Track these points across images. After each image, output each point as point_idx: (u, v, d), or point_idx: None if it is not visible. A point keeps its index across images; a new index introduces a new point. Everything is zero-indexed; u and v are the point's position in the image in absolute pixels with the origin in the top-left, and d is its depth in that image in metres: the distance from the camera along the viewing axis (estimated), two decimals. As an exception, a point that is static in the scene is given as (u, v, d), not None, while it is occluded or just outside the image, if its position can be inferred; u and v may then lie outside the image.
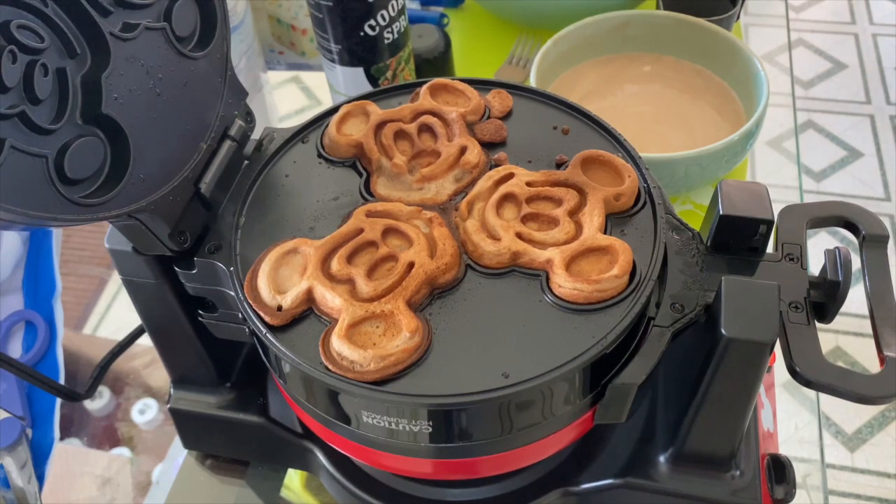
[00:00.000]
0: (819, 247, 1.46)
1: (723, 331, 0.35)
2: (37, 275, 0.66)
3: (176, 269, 0.41)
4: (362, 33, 0.60)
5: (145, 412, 0.62)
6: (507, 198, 0.40)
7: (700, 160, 0.58)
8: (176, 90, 0.38)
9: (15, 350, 0.62)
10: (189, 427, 0.53)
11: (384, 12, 0.60)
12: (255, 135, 0.45)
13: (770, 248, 0.40)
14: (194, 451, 0.55)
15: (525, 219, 0.40)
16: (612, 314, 0.36)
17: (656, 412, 0.46)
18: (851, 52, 2.06)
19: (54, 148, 0.32)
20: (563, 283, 0.36)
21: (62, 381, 0.61)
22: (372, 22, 0.60)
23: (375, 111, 0.45)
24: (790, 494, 0.43)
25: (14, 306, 0.64)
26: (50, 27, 0.32)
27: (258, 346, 0.41)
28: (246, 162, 0.44)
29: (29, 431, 0.57)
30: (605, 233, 0.39)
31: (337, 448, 0.43)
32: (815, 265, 0.38)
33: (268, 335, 0.36)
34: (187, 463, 0.55)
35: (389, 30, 0.61)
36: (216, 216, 0.42)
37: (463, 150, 0.43)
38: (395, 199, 0.41)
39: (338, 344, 0.35)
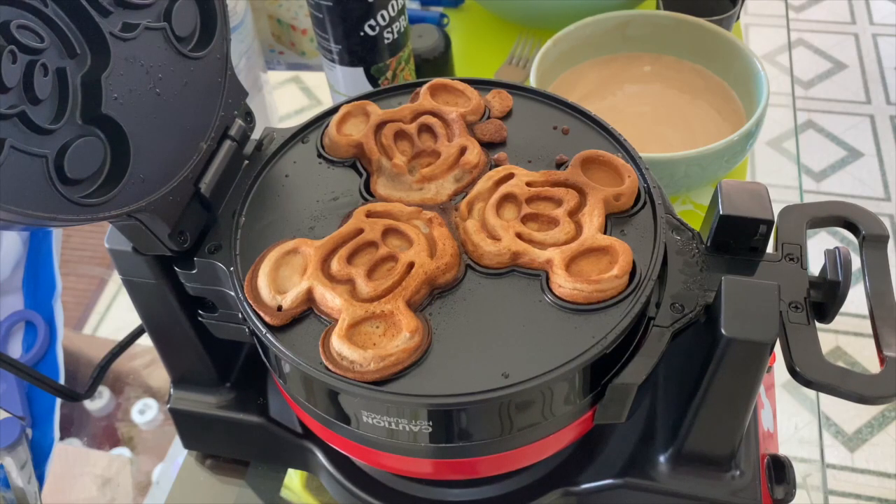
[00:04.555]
0: (819, 247, 1.46)
1: (723, 331, 0.35)
2: (37, 275, 0.66)
3: (176, 269, 0.41)
4: (362, 33, 0.60)
5: (145, 412, 0.62)
6: (507, 198, 0.40)
7: (700, 160, 0.58)
8: (176, 90, 0.38)
9: (15, 350, 0.62)
10: (189, 427, 0.53)
11: (384, 12, 0.60)
12: (255, 135, 0.45)
13: (770, 248, 0.40)
14: (194, 451, 0.55)
15: (525, 219, 0.40)
16: (612, 314, 0.36)
17: (656, 412, 0.46)
18: (851, 52, 2.06)
19: (54, 148, 0.32)
20: (563, 283, 0.36)
21: (62, 381, 0.61)
22: (372, 22, 0.60)
23: (375, 111, 0.45)
24: (790, 494, 0.43)
25: (14, 306, 0.64)
26: (50, 27, 0.32)
27: (258, 346, 0.41)
28: (246, 162, 0.44)
29: (29, 431, 0.57)
30: (605, 233, 0.39)
31: (337, 448, 0.43)
32: (815, 265, 0.38)
33: (268, 335, 0.36)
34: (187, 463, 0.55)
35: (389, 30, 0.61)
36: (216, 216, 0.41)
37: (463, 151, 0.43)
38: (395, 200, 0.41)
39: (338, 344, 0.35)
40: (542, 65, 0.67)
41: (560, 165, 0.43)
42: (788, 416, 0.59)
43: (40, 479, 0.56)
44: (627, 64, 0.73)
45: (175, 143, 0.38)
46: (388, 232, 0.39)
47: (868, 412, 1.37)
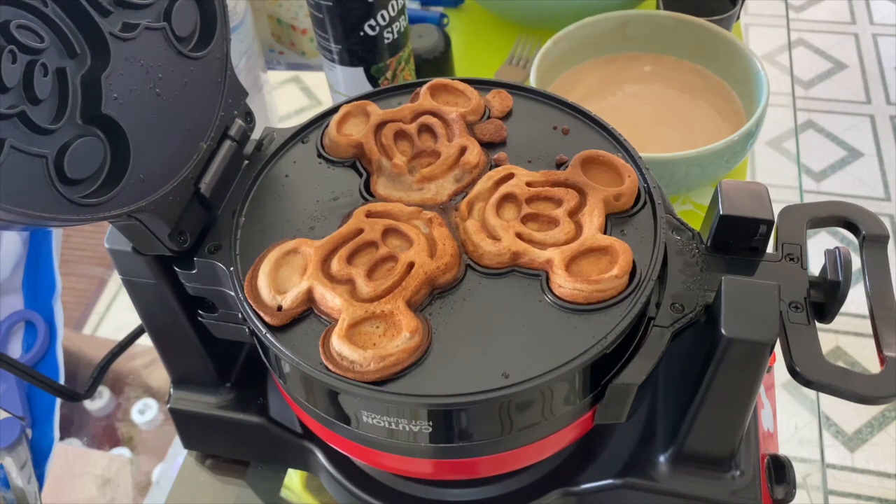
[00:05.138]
0: (819, 247, 1.46)
1: (723, 331, 0.35)
2: (37, 275, 0.66)
3: (176, 269, 0.41)
4: (362, 33, 0.60)
5: (145, 412, 0.62)
6: (507, 198, 0.40)
7: (700, 160, 0.58)
8: (176, 90, 0.38)
9: (15, 350, 0.62)
10: (189, 427, 0.53)
11: (384, 12, 0.60)
12: (255, 135, 0.45)
13: (770, 248, 0.40)
14: (194, 451, 0.55)
15: (525, 219, 0.40)
16: (612, 314, 0.36)
17: (656, 412, 0.46)
18: (851, 52, 2.06)
19: (54, 148, 0.32)
20: (563, 283, 0.36)
21: (62, 381, 0.61)
22: (372, 22, 0.60)
23: (375, 111, 0.45)
24: (790, 494, 0.43)
25: (14, 306, 0.64)
26: (50, 27, 0.32)
27: (258, 346, 0.41)
28: (246, 162, 0.44)
29: (29, 431, 0.57)
30: (605, 233, 0.39)
31: (337, 448, 0.43)
32: (815, 265, 0.38)
33: (268, 335, 0.36)
34: (187, 463, 0.55)
35: (389, 30, 0.61)
36: (216, 216, 0.41)
37: (463, 151, 0.43)
38: (395, 200, 0.41)
39: (338, 344, 0.35)
40: (542, 65, 0.67)
41: (560, 165, 0.43)
42: (788, 416, 0.59)
43: (40, 479, 0.56)
44: (627, 64, 0.73)
45: (175, 143, 0.38)
46: (388, 232, 0.39)
47: (868, 412, 1.37)
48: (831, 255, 0.39)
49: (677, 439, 0.42)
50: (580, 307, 0.36)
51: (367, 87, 0.64)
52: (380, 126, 0.44)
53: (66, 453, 0.59)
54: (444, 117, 0.45)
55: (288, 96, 0.95)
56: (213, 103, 0.41)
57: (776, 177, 0.76)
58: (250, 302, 0.37)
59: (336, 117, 0.45)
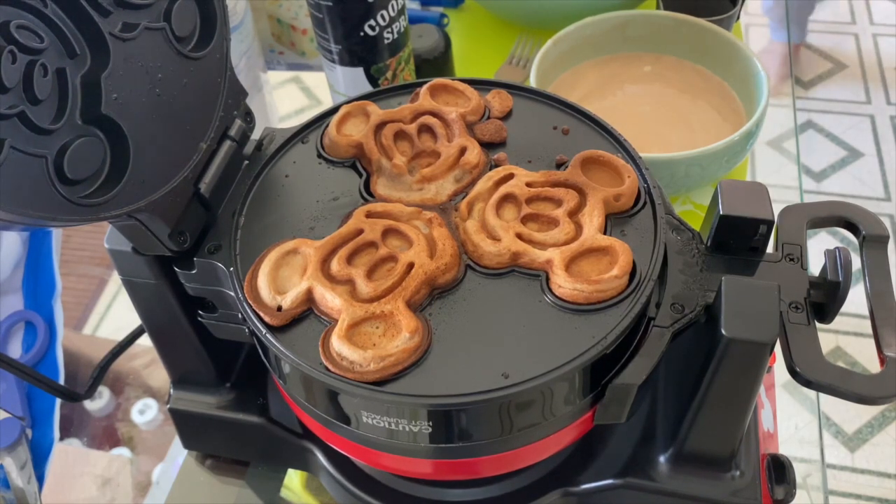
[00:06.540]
0: (819, 247, 1.46)
1: (723, 331, 0.35)
2: (37, 275, 0.66)
3: (176, 269, 0.41)
4: (362, 33, 0.60)
5: (145, 412, 0.62)
6: (507, 198, 0.40)
7: (700, 160, 0.58)
8: (176, 90, 0.38)
9: (15, 350, 0.62)
10: (189, 427, 0.53)
11: (384, 12, 0.60)
12: (255, 135, 0.45)
13: (770, 248, 0.40)
14: (194, 451, 0.55)
15: (525, 219, 0.40)
16: (612, 314, 0.36)
17: (656, 412, 0.46)
18: (851, 52, 2.06)
19: (54, 148, 0.32)
20: (563, 284, 0.36)
21: (62, 381, 0.61)
22: (372, 22, 0.60)
23: (375, 111, 0.45)
24: (790, 494, 0.43)
25: (14, 306, 0.64)
26: (50, 27, 0.32)
27: (258, 347, 0.41)
28: (246, 162, 0.44)
29: (29, 431, 0.57)
30: (605, 233, 0.39)
31: (337, 448, 0.43)
32: (815, 265, 0.38)
33: (267, 335, 0.36)
34: (187, 463, 0.55)
35: (389, 30, 0.61)
36: (216, 216, 0.41)
37: (463, 151, 0.43)
38: (395, 200, 0.41)
39: (338, 344, 0.35)
40: (542, 65, 0.67)
41: (560, 165, 0.43)
42: (788, 416, 0.59)
43: (40, 479, 0.56)
44: (627, 64, 0.73)
45: (175, 143, 0.38)
46: (387, 232, 0.39)
47: (868, 412, 1.37)
48: (831, 255, 0.39)
49: (677, 439, 0.42)
50: (580, 307, 0.36)
51: (367, 88, 0.64)
52: (380, 126, 0.44)
53: (66, 453, 0.59)
54: (443, 117, 0.45)
55: (288, 96, 0.95)
56: (213, 103, 0.41)
57: (776, 177, 0.76)
58: (250, 302, 0.37)
59: (336, 117, 0.45)
